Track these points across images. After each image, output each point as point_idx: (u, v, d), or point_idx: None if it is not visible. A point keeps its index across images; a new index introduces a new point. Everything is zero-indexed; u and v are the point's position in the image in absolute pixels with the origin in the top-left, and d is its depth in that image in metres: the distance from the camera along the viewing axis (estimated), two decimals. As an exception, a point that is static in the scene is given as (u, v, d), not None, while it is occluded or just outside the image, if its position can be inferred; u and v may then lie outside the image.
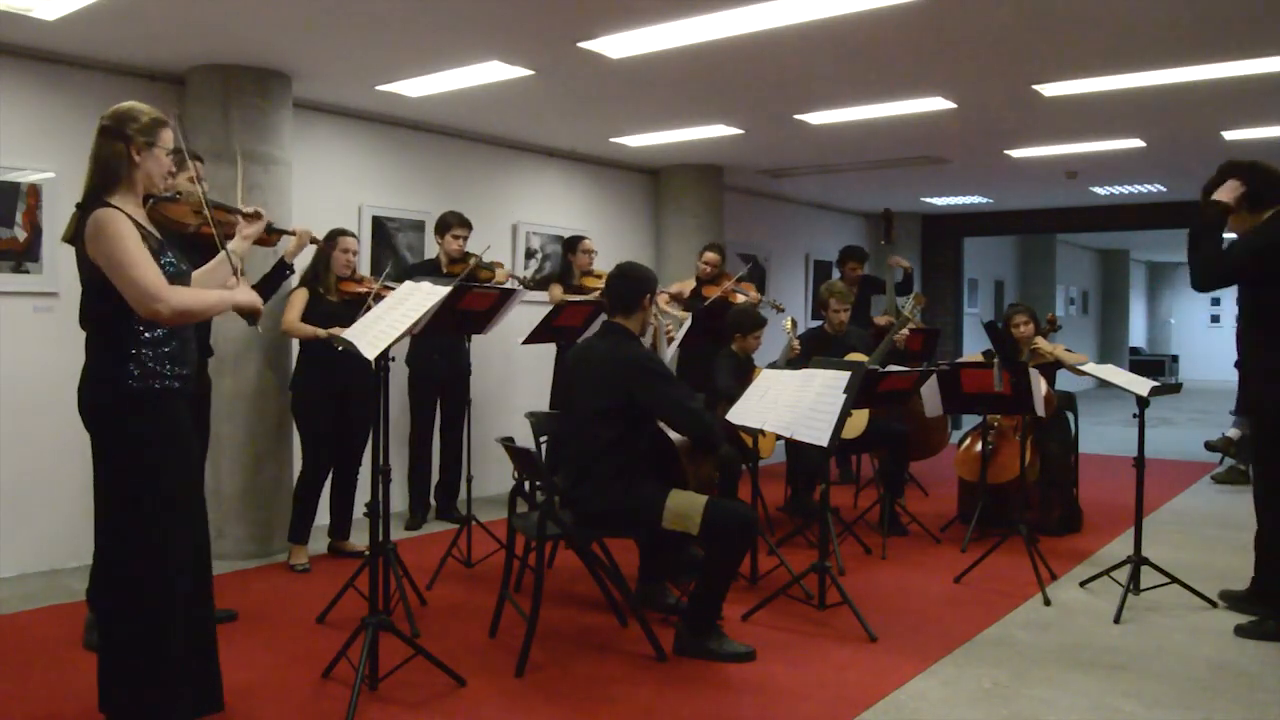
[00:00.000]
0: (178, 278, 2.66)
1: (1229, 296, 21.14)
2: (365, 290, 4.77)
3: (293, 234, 4.38)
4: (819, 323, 6.21)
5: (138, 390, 2.58)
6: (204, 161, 3.55)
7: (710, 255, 6.68)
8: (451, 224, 5.55)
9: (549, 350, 5.54)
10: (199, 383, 3.95)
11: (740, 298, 6.53)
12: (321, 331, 4.68)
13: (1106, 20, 4.16)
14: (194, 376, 2.76)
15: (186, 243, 3.40)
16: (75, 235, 2.62)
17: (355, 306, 4.62)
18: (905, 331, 5.88)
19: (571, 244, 6.47)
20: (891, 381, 4.28)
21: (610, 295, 3.87)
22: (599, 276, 6.17)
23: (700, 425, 3.71)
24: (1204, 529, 6.04)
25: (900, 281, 7.07)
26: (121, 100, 2.73)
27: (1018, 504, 5.06)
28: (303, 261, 4.70)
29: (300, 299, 4.80)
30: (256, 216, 3.17)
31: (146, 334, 2.60)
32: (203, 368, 4.09)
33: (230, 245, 3.02)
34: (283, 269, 4.47)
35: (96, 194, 2.60)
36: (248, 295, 2.79)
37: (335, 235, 4.83)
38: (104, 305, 2.58)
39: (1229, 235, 4.05)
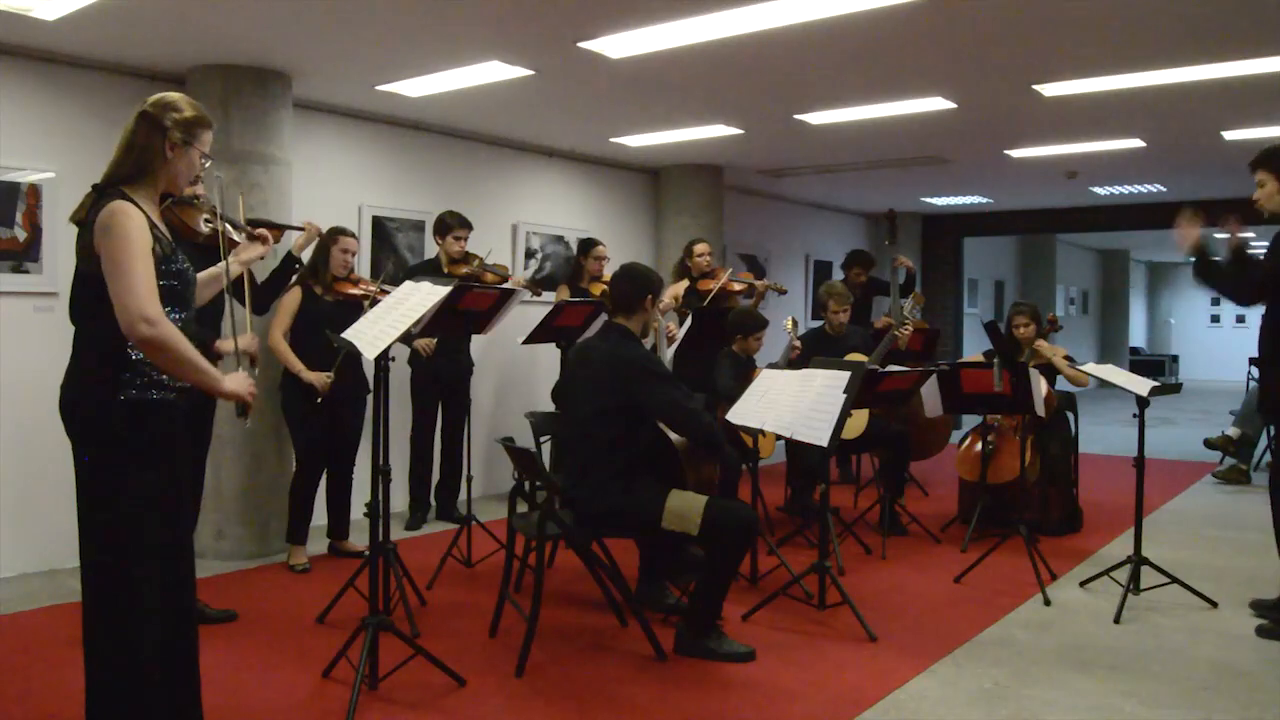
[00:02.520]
0: (186, 285, 2.50)
1: None
2: (360, 293, 4.76)
3: (299, 229, 4.45)
4: (819, 323, 6.21)
5: (134, 401, 2.38)
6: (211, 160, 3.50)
7: (701, 246, 6.62)
8: (452, 225, 5.54)
9: (549, 350, 5.54)
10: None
11: (738, 286, 6.49)
12: (304, 375, 4.68)
13: (1106, 20, 4.16)
14: (193, 390, 2.54)
15: (193, 249, 3.36)
16: (86, 218, 2.43)
17: (349, 308, 4.61)
18: (907, 330, 5.88)
19: (584, 248, 6.44)
20: (891, 381, 4.28)
21: (612, 295, 3.89)
22: (606, 283, 6.14)
23: (700, 427, 3.71)
24: (1204, 529, 6.04)
25: (904, 282, 7.07)
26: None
27: (1018, 504, 5.06)
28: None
29: (292, 302, 4.76)
30: (262, 241, 3.04)
31: None
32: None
33: (229, 261, 2.83)
34: (291, 263, 4.51)
35: (118, 182, 2.43)
36: (237, 385, 2.50)
37: (336, 233, 4.82)
38: (98, 299, 2.36)
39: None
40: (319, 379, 4.65)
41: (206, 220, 3.47)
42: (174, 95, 2.57)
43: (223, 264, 2.77)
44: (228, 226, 3.17)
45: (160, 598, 2.47)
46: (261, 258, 3.07)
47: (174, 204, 3.18)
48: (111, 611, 2.44)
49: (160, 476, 2.45)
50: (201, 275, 2.79)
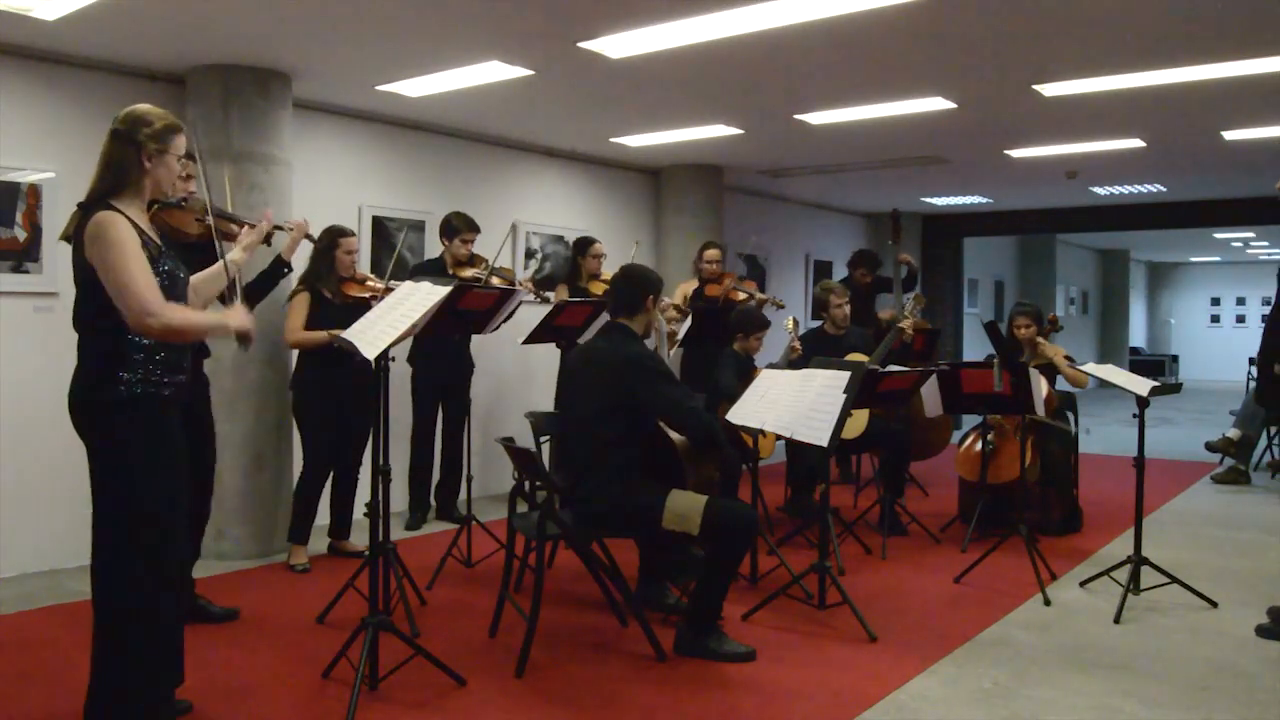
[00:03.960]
0: (174, 286, 2.66)
1: (1229, 296, 20.75)
2: (369, 295, 4.73)
3: (287, 229, 4.26)
4: (819, 323, 6.21)
5: (126, 396, 2.56)
6: (196, 160, 3.48)
7: (711, 253, 6.70)
8: (460, 228, 5.53)
9: (550, 350, 5.55)
10: (194, 386, 3.92)
11: (741, 295, 6.55)
12: (327, 335, 4.61)
13: (1106, 20, 4.16)
14: (187, 383, 2.75)
15: (186, 248, 3.38)
16: (74, 235, 2.60)
17: (358, 311, 4.55)
18: (908, 330, 5.87)
19: (581, 246, 6.44)
20: (891, 381, 4.28)
21: (614, 296, 3.89)
22: (606, 281, 6.17)
23: (699, 425, 3.71)
24: (1204, 529, 6.04)
25: (906, 278, 7.07)
26: (120, 100, 2.72)
27: (1018, 504, 5.06)
28: (299, 260, 4.62)
29: (302, 304, 4.74)
30: (253, 225, 3.13)
31: (138, 339, 2.58)
32: (198, 368, 4.04)
33: (230, 255, 3.02)
34: (280, 267, 4.33)
35: (101, 196, 2.59)
36: (240, 319, 2.71)
37: (336, 235, 4.77)
38: (95, 308, 2.57)
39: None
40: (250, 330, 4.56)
41: (198, 219, 3.48)
42: (141, 108, 2.69)
43: (223, 260, 2.90)
44: (228, 223, 3.21)
45: (159, 586, 2.62)
46: (259, 242, 3.13)
47: (160, 209, 3.25)
48: (112, 605, 2.61)
49: (156, 471, 2.61)
50: (204, 274, 2.94)
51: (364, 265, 5.83)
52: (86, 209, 2.58)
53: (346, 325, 3.94)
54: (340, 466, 5.02)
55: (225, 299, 4.23)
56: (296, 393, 4.92)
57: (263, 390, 5.09)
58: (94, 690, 2.64)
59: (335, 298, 4.78)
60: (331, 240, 4.74)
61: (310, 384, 4.85)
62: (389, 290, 4.37)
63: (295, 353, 5.04)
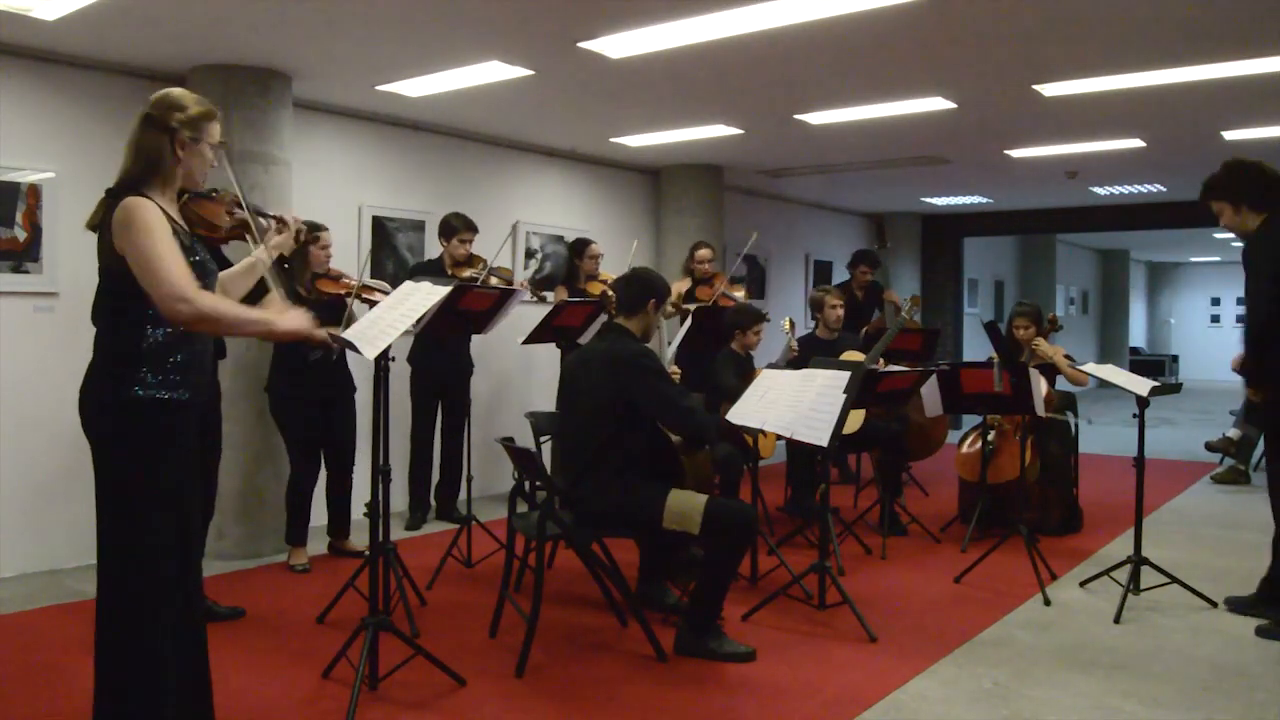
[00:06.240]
0: (205, 276, 2.52)
1: (1229, 296, 20.70)
2: (343, 291, 4.64)
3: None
4: (812, 327, 6.23)
5: (142, 399, 2.41)
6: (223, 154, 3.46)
7: (703, 252, 6.73)
8: (458, 228, 5.53)
9: (550, 350, 5.55)
10: (209, 392, 3.90)
11: (731, 302, 6.57)
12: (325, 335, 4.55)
13: (1106, 20, 4.17)
14: (206, 388, 2.59)
15: (208, 243, 3.33)
16: (101, 222, 2.45)
17: (334, 307, 4.46)
18: (908, 317, 5.90)
19: (578, 248, 6.45)
20: (891, 381, 4.28)
21: (617, 296, 3.91)
22: (604, 281, 6.18)
23: (692, 423, 3.71)
24: (1204, 529, 6.04)
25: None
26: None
27: (1018, 504, 5.06)
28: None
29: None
30: (285, 224, 3.02)
31: (158, 339, 2.43)
32: (214, 372, 4.02)
33: (255, 254, 2.87)
34: (280, 264, 4.34)
35: (131, 184, 2.45)
36: (297, 320, 2.53)
37: (312, 230, 4.62)
38: (118, 301, 2.42)
39: (1226, 236, 4.05)
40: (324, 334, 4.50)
41: (229, 213, 3.45)
42: (176, 92, 2.57)
43: (253, 255, 2.80)
44: (257, 219, 3.16)
45: (168, 595, 2.51)
46: (292, 241, 3.06)
47: (191, 199, 3.18)
48: (120, 608, 2.49)
49: (169, 475, 2.48)
50: (232, 271, 2.83)
51: (364, 265, 5.83)
52: (115, 195, 2.44)
53: (322, 322, 3.91)
54: (332, 468, 5.01)
55: (253, 297, 4.21)
56: (271, 396, 4.89)
57: (261, 391, 5.08)
58: (101, 693, 2.53)
59: (310, 294, 4.69)
60: (308, 237, 4.65)
61: (283, 386, 4.82)
62: (365, 287, 4.38)
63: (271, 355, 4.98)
